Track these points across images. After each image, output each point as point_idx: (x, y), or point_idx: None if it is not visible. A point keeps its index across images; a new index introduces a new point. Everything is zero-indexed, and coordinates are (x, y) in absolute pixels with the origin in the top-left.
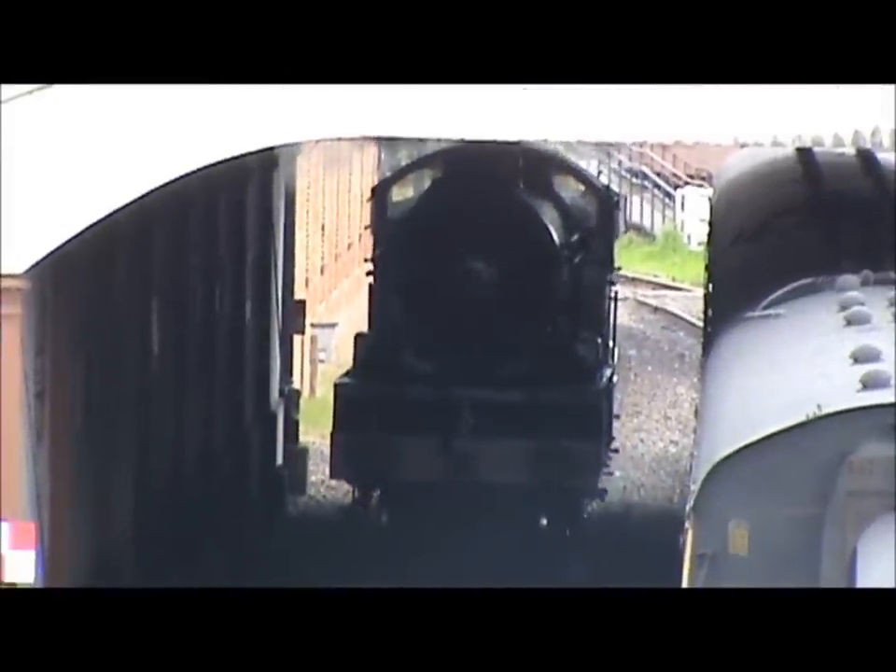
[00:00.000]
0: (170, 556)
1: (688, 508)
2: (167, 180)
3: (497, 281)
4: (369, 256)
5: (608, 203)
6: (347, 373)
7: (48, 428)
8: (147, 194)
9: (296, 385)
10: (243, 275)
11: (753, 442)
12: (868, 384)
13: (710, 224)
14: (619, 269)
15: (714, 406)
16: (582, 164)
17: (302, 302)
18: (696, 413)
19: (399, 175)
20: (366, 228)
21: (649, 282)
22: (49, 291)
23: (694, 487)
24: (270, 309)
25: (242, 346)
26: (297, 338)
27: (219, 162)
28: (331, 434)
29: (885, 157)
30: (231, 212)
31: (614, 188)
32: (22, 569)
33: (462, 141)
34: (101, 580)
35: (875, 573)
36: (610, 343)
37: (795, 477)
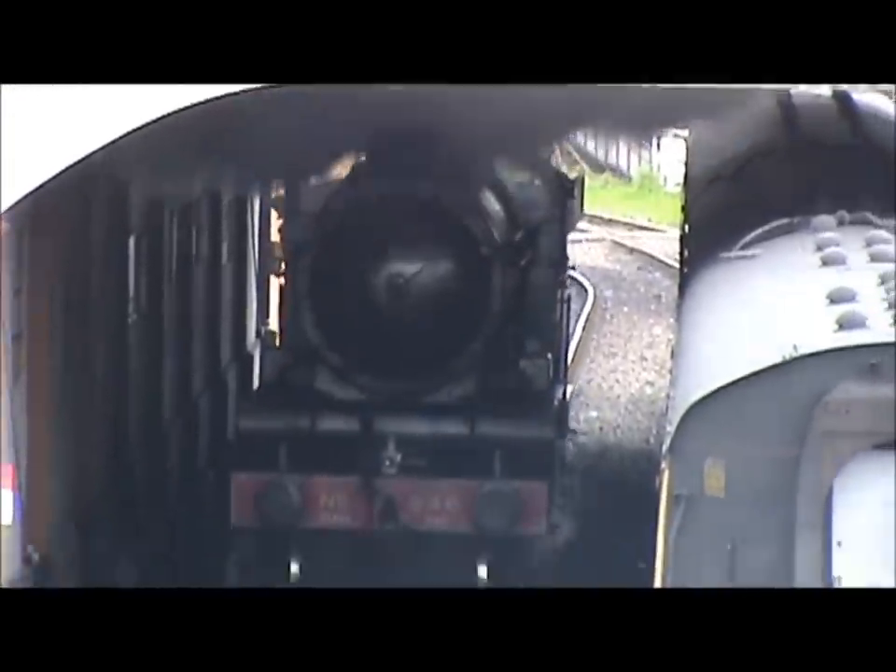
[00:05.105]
0: (146, 496)
1: (664, 448)
2: (144, 121)
3: (427, 289)
4: (279, 254)
5: (560, 191)
6: (249, 399)
7: (25, 370)
8: (125, 136)
9: (272, 326)
10: (219, 216)
11: (729, 383)
12: (844, 324)
13: (686, 165)
14: (573, 268)
15: (690, 347)
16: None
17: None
18: (672, 353)
19: (315, 157)
20: (277, 218)
21: (625, 223)
22: (25, 233)
23: (670, 428)
24: (246, 250)
25: (218, 288)
26: (273, 279)
27: (197, 104)
28: (231, 474)
29: (861, 98)
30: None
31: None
32: (0, 511)
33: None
34: (78, 520)
35: (852, 514)
36: (562, 356)
37: (771, 418)
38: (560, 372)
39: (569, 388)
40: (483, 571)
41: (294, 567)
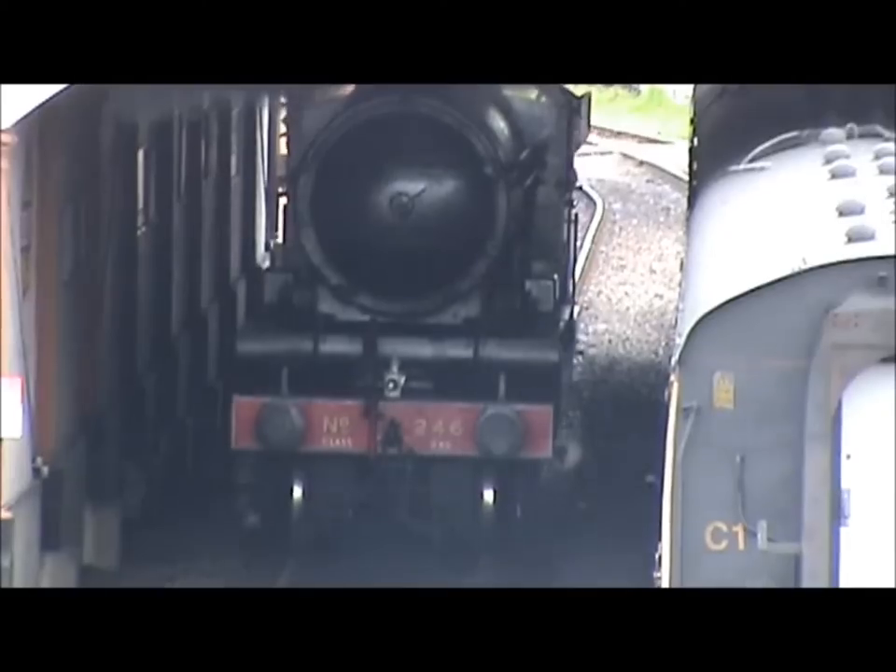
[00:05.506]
0: (154, 410)
1: (673, 361)
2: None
3: (431, 208)
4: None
5: (566, 108)
6: (251, 321)
7: (33, 283)
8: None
9: (281, 239)
10: (228, 130)
11: (738, 296)
12: (853, 237)
13: None
14: (580, 187)
15: (699, 259)
16: None
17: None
18: (681, 266)
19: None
20: (282, 136)
21: (634, 136)
22: (35, 145)
23: (680, 340)
24: (255, 164)
25: (228, 201)
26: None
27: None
28: (232, 397)
29: None
30: None
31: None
32: (9, 424)
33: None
34: (86, 433)
35: (861, 426)
36: (569, 277)
37: (780, 330)
38: (566, 293)
39: (576, 309)
40: (488, 496)
41: (297, 492)
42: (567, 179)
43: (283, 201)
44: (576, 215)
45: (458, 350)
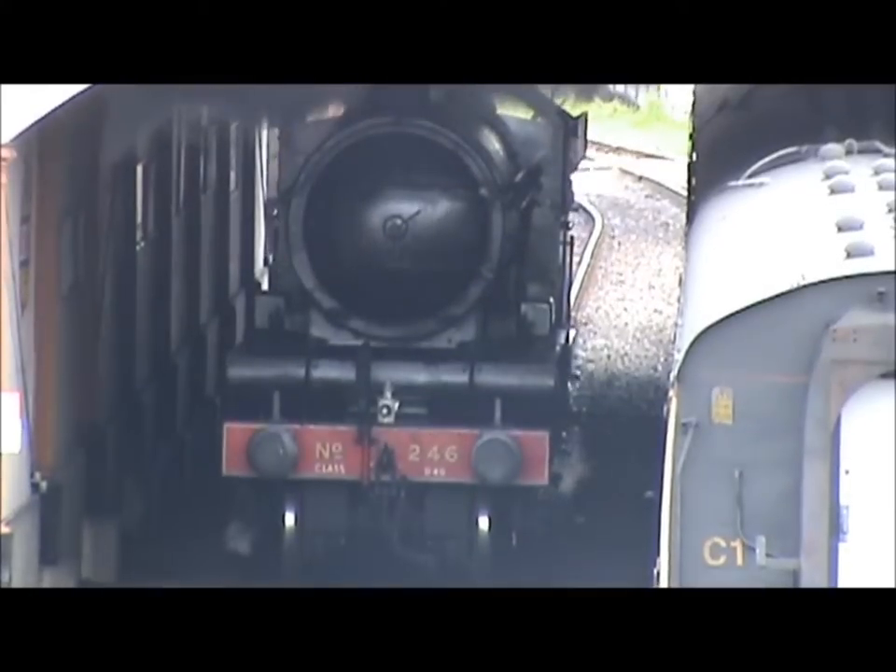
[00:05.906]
0: (153, 425)
1: (672, 376)
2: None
3: (425, 231)
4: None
5: (562, 129)
6: (243, 346)
7: (32, 297)
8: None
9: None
10: (227, 144)
11: (737, 311)
12: (852, 252)
13: (694, 93)
14: (577, 209)
15: (698, 275)
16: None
17: None
18: (680, 281)
19: (315, 96)
20: (273, 157)
21: (633, 151)
22: (34, 160)
23: (679, 356)
24: (255, 178)
25: (226, 215)
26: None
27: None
28: (221, 422)
29: None
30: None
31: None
32: (8, 438)
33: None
34: (84, 447)
35: (860, 442)
36: (564, 300)
37: (779, 346)
38: (562, 317)
39: (572, 333)
40: (483, 523)
41: (289, 519)
42: (563, 201)
43: (275, 223)
44: (571, 237)
45: (453, 375)
